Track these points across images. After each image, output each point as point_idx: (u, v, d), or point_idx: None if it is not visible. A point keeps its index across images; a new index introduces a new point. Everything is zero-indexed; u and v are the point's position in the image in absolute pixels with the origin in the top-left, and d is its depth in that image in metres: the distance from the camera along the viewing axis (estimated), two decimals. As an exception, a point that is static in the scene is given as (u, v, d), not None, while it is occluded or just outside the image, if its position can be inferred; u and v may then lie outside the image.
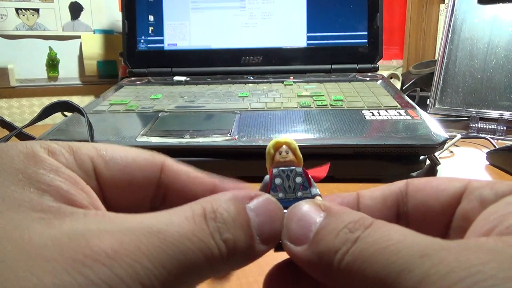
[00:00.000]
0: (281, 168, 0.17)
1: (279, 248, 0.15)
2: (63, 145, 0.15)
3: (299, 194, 0.17)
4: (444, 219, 0.16)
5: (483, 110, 0.71)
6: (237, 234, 0.14)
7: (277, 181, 0.17)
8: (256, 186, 0.17)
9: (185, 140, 0.46)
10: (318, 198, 0.17)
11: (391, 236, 0.12)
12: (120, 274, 0.11)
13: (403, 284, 0.11)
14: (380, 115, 0.51)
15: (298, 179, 0.17)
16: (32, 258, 0.11)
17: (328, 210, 0.14)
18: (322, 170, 0.18)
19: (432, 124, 0.48)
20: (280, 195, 0.17)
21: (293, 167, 0.17)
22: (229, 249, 0.13)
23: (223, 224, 0.14)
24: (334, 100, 0.57)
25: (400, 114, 0.51)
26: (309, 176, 0.17)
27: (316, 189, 0.17)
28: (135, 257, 0.11)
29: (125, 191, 0.16)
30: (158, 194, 0.17)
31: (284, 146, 0.17)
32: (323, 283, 0.15)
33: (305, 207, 0.15)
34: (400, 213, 0.17)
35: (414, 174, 0.48)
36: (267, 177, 0.17)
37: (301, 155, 0.17)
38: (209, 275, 0.13)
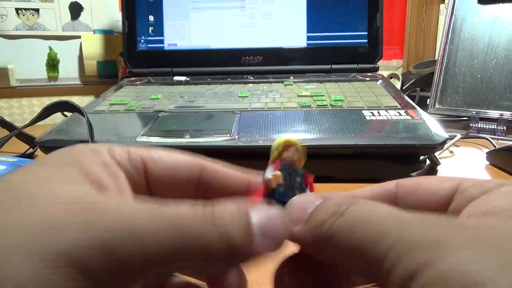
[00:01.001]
0: (286, 165, 0.18)
1: None
2: (122, 147, 0.18)
3: (297, 193, 0.18)
4: None
5: (483, 110, 0.71)
6: (234, 227, 0.14)
7: (279, 177, 0.18)
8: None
9: (185, 140, 0.46)
10: None
11: (374, 210, 0.13)
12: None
13: (377, 250, 0.12)
14: (380, 115, 0.51)
15: (298, 179, 0.18)
16: (50, 204, 0.13)
17: (325, 196, 0.16)
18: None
19: (432, 124, 0.48)
20: (282, 189, 0.18)
21: (296, 167, 0.18)
22: (223, 240, 0.14)
23: (222, 223, 0.14)
24: (334, 100, 0.57)
25: (400, 114, 0.51)
26: (308, 178, 0.18)
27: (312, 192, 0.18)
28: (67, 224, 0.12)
29: (170, 187, 0.18)
30: (200, 191, 0.19)
31: (294, 146, 0.18)
32: (329, 268, 0.17)
33: (306, 195, 0.17)
34: None
35: (414, 174, 0.48)
36: (271, 168, 0.18)
37: (304, 160, 0.18)
38: (206, 259, 0.14)
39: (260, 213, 0.15)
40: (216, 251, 0.14)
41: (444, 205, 0.16)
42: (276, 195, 0.18)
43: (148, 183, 0.18)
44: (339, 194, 0.16)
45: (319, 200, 0.15)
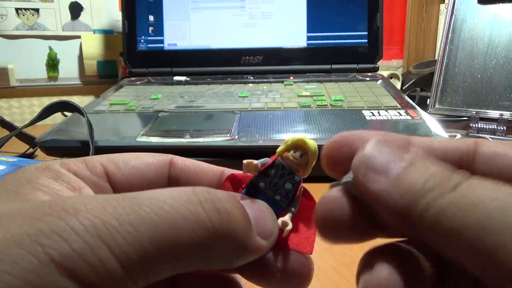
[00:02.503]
0: (284, 164, 0.16)
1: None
2: (76, 159, 0.16)
3: (277, 197, 0.15)
4: None
5: (483, 110, 0.71)
6: (233, 209, 0.13)
7: (270, 171, 0.16)
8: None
9: (185, 140, 0.46)
10: (289, 214, 0.15)
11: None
12: (74, 226, 0.10)
13: None
14: (380, 115, 0.51)
15: (288, 185, 0.16)
16: None
17: (416, 154, 0.13)
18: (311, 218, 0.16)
19: (432, 124, 0.48)
20: (262, 185, 0.15)
21: (294, 173, 0.16)
22: (224, 220, 0.12)
23: (217, 198, 0.13)
24: (334, 100, 0.57)
25: (400, 114, 0.51)
26: (300, 192, 0.16)
27: (296, 207, 0.16)
28: (97, 213, 0.11)
29: (138, 188, 0.16)
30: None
31: (304, 149, 0.16)
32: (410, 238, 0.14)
33: (390, 134, 0.13)
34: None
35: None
36: (266, 159, 0.16)
37: (310, 169, 0.16)
38: (201, 253, 0.12)
39: (248, 203, 0.14)
40: (213, 236, 0.12)
41: None
42: (251, 188, 0.16)
43: (114, 189, 0.16)
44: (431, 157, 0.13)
45: (405, 151, 0.12)
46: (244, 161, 0.15)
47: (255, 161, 0.15)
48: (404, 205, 0.11)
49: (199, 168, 0.18)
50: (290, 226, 0.15)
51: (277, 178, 0.15)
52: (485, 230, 0.10)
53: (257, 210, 0.14)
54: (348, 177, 0.14)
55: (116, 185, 0.16)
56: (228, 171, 0.18)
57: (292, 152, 0.16)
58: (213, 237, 0.12)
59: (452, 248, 0.11)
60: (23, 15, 0.88)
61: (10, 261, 0.09)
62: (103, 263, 0.10)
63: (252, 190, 0.16)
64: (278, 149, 0.16)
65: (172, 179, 0.17)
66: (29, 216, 0.11)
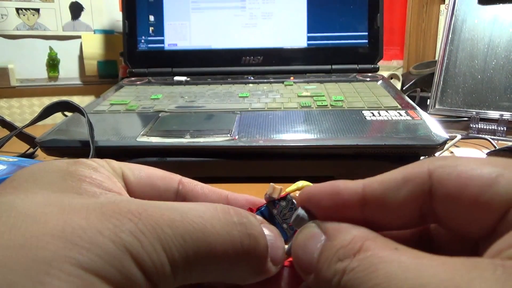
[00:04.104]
0: (294, 201, 0.19)
1: None
2: (98, 159, 0.18)
3: (284, 225, 0.19)
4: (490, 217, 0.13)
5: (483, 111, 0.71)
6: (259, 235, 0.15)
7: (282, 203, 0.19)
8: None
9: (186, 140, 0.46)
10: (291, 243, 0.17)
11: (391, 268, 0.11)
12: (143, 230, 0.12)
13: None
14: (380, 115, 0.51)
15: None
16: (67, 213, 0.12)
17: (327, 231, 0.14)
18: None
19: (432, 125, 0.48)
20: (274, 211, 0.19)
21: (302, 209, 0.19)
22: (251, 245, 0.14)
23: (249, 222, 0.15)
24: (335, 101, 0.57)
25: (401, 115, 0.51)
26: None
27: None
28: (157, 221, 0.13)
29: (147, 194, 0.18)
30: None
31: None
32: None
33: (307, 232, 0.15)
34: (424, 214, 0.14)
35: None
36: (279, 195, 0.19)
37: None
38: (226, 268, 0.14)
39: (267, 230, 0.16)
40: (240, 255, 0.14)
41: (495, 201, 0.12)
42: (265, 212, 0.19)
43: (127, 189, 0.18)
44: (341, 231, 0.14)
45: (320, 239, 0.14)
46: (271, 184, 0.19)
47: (280, 187, 0.19)
48: None
49: (206, 189, 0.20)
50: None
51: (286, 209, 0.19)
52: None
53: (273, 239, 0.16)
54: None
55: (129, 187, 0.18)
56: (232, 194, 0.20)
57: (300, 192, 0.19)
58: (240, 258, 0.14)
59: None
60: (24, 15, 0.88)
61: (97, 246, 0.11)
62: (162, 265, 0.12)
63: (267, 213, 0.19)
64: (288, 189, 0.19)
65: (180, 195, 0.19)
66: (102, 212, 0.12)
